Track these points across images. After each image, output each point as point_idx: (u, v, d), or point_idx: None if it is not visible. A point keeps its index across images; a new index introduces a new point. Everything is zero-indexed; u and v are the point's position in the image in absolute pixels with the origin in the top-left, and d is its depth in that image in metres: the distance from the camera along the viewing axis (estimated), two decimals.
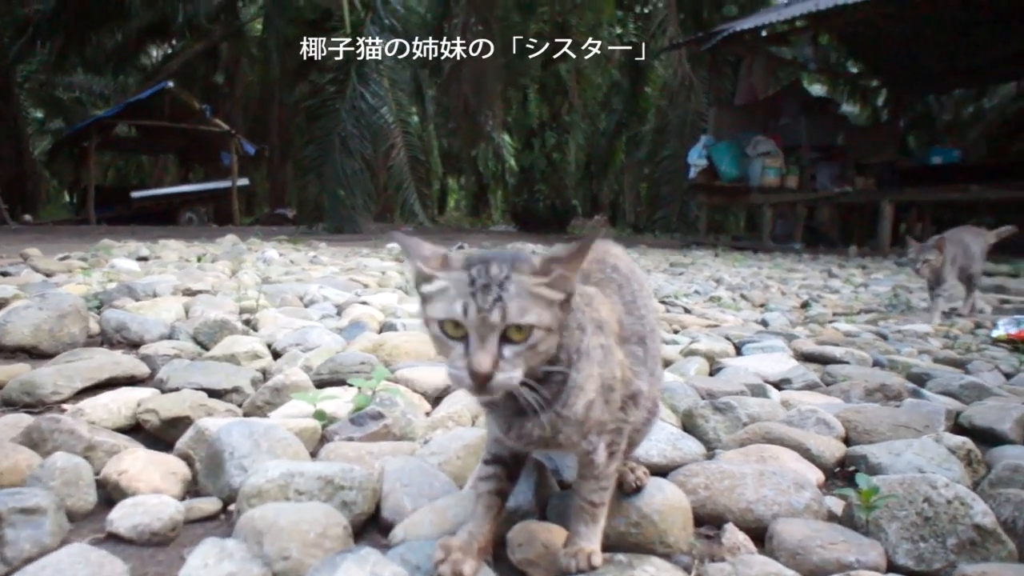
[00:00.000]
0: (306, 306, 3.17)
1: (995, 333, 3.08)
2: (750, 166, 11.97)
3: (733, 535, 1.16)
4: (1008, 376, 2.36)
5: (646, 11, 17.86)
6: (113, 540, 1.14)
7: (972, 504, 1.09)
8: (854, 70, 16.93)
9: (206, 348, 2.27)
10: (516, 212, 17.21)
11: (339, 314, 3.03)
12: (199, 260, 5.25)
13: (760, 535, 1.18)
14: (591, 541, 1.02)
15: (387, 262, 6.13)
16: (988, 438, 1.66)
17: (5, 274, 3.87)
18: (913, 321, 3.58)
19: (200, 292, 3.30)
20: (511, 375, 0.83)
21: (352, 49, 12.40)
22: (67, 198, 22.62)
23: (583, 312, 0.94)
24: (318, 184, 12.72)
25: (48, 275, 3.96)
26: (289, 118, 19.31)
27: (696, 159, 12.42)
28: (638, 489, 1.14)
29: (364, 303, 3.18)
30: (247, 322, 2.59)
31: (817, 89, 17.70)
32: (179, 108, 15.72)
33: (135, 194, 17.16)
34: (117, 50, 17.81)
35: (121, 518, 1.14)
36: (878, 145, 13.10)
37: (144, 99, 15.06)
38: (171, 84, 15.40)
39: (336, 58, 12.80)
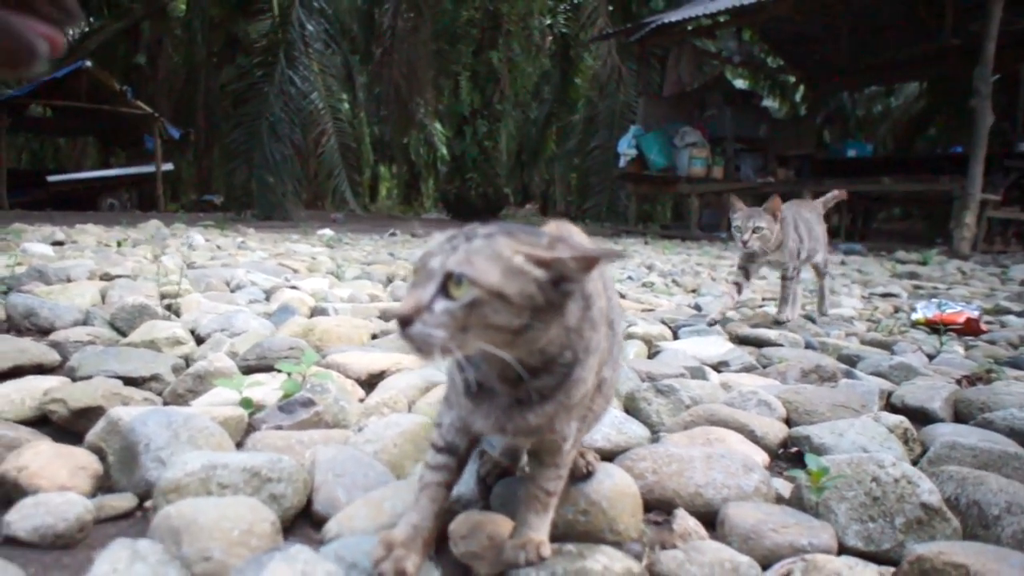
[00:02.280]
0: (232, 291, 3.02)
1: (915, 316, 3.19)
2: (678, 156, 12.19)
3: (684, 521, 1.12)
4: (931, 357, 2.44)
5: (576, 1, 17.91)
6: (10, 544, 1.01)
7: (919, 483, 1.09)
8: (775, 65, 17.45)
9: (124, 334, 2.11)
10: (448, 200, 17.04)
11: (267, 299, 2.89)
12: (119, 245, 4.95)
13: (710, 519, 1.15)
14: (540, 531, 0.96)
15: (317, 248, 5.94)
16: (920, 417, 1.70)
17: None
18: (839, 305, 3.68)
19: (119, 277, 3.09)
20: (432, 331, 0.73)
21: (278, 32, 12.01)
22: None
23: (595, 308, 0.86)
24: (246, 170, 12.27)
25: None
26: (215, 102, 18.48)
27: (626, 149, 12.56)
28: (589, 474, 1.09)
29: (294, 287, 3.04)
30: (169, 307, 2.43)
31: (740, 83, 18.18)
32: (98, 89, 14.78)
33: (52, 178, 16.08)
34: None
35: (20, 519, 1.02)
36: (797, 138, 13.57)
37: (59, 78, 14.09)
38: (89, 63, 14.49)
39: (263, 41, 12.38)
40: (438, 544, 1.02)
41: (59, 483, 1.13)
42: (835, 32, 12.38)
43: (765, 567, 0.99)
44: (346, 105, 17.62)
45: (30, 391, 1.50)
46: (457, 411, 0.94)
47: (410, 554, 0.87)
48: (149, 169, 16.58)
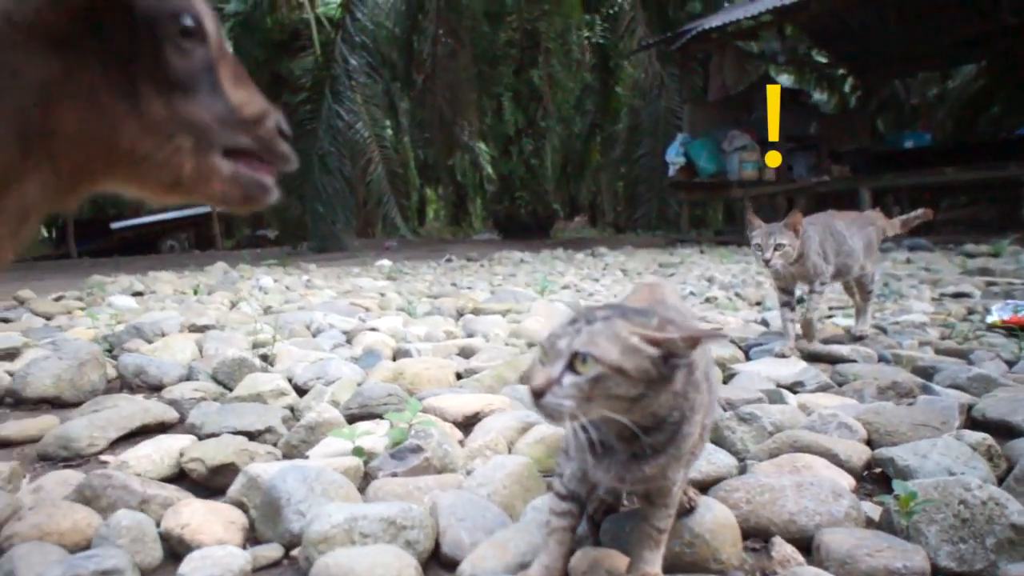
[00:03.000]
0: (314, 335, 3.20)
1: (989, 319, 3.17)
2: (728, 161, 12.11)
3: (781, 548, 1.21)
4: (1010, 364, 2.44)
5: (612, 11, 18.00)
6: None
7: (1006, 504, 1.15)
8: (821, 60, 17.20)
9: (228, 388, 2.29)
10: (498, 220, 17.28)
11: (349, 342, 3.06)
12: (195, 292, 5.24)
13: (805, 545, 1.23)
14: (654, 565, 1.07)
15: (380, 281, 6.15)
16: (1003, 430, 1.73)
17: (5, 320, 3.85)
18: (910, 310, 3.66)
19: (207, 327, 3.31)
20: (562, 401, 0.87)
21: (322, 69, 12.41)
22: (44, 233, 22.31)
23: (698, 372, 0.99)
24: (299, 204, 12.70)
25: (48, 318, 3.95)
26: None
27: (674, 157, 12.55)
28: (691, 509, 1.20)
29: (373, 329, 3.21)
30: (264, 357, 2.62)
31: (786, 80, 17.94)
32: None
33: (115, 225, 16.94)
34: None
35: (192, 571, 1.17)
36: (850, 132, 13.33)
37: None
38: None
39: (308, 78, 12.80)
40: None
41: (216, 537, 1.29)
42: (883, 21, 12.17)
43: None
44: (389, 131, 18.05)
45: (166, 450, 1.68)
46: (578, 463, 1.06)
47: None
48: (205, 209, 17.29)
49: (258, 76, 15.36)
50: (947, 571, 1.14)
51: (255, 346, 2.87)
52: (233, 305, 4.44)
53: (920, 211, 3.16)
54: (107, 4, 0.56)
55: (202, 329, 3.28)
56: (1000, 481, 1.42)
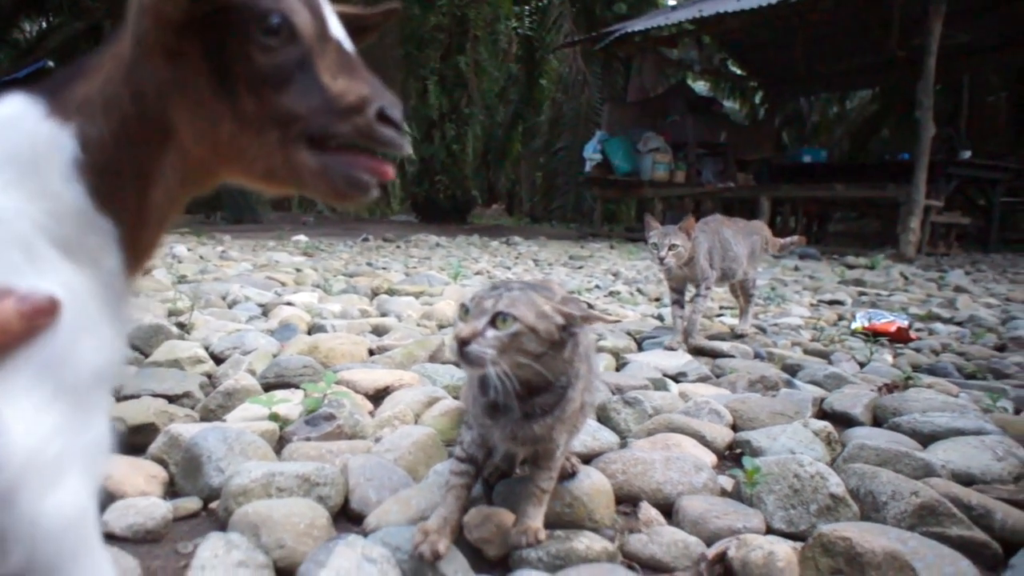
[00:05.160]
0: (230, 307, 3.24)
1: (854, 325, 3.55)
2: (641, 161, 12.59)
3: (647, 511, 1.41)
4: (862, 365, 2.78)
5: (541, 4, 18.22)
6: (108, 539, 1.26)
7: (828, 477, 1.40)
8: (735, 71, 18.00)
9: (144, 353, 2.33)
10: (416, 202, 17.21)
11: (265, 315, 3.12)
12: None
13: (668, 510, 1.44)
14: (537, 520, 1.24)
15: (297, 257, 6.14)
16: (844, 421, 2.02)
17: None
18: (789, 313, 4.03)
19: None
20: (485, 350, 1.05)
21: None
22: None
23: (582, 347, 1.19)
24: None
25: None
26: None
27: (591, 153, 12.94)
28: (573, 475, 1.38)
29: (289, 304, 3.27)
30: (180, 325, 2.65)
31: (701, 88, 18.68)
32: None
33: None
34: None
35: (116, 519, 1.27)
36: (757, 143, 14.08)
37: (20, 78, 13.92)
38: (51, 63, 14.31)
39: None
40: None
41: (139, 489, 1.38)
42: (791, 42, 12.93)
43: (709, 545, 1.29)
44: None
45: None
46: (477, 430, 1.23)
47: (442, 539, 1.15)
48: None
49: None
50: (779, 531, 1.36)
51: (171, 314, 2.89)
52: (147, 272, 4.37)
53: (795, 237, 3.64)
54: (206, 20, 0.63)
55: None
56: (833, 461, 1.69)
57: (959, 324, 3.95)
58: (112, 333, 0.64)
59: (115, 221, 0.64)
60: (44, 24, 17.75)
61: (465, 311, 1.10)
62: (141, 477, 1.41)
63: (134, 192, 0.65)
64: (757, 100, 19.60)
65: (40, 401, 0.56)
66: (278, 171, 0.66)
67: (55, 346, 0.57)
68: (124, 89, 0.64)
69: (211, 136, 0.66)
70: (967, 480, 1.56)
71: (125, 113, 0.64)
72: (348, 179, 0.67)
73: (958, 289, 5.78)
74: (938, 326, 3.81)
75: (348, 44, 0.70)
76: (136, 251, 0.67)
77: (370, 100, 0.66)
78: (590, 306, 4.10)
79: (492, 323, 1.06)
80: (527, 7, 18.06)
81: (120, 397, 1.86)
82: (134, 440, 1.64)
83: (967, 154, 10.72)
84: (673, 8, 13.56)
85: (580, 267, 6.83)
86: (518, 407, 1.16)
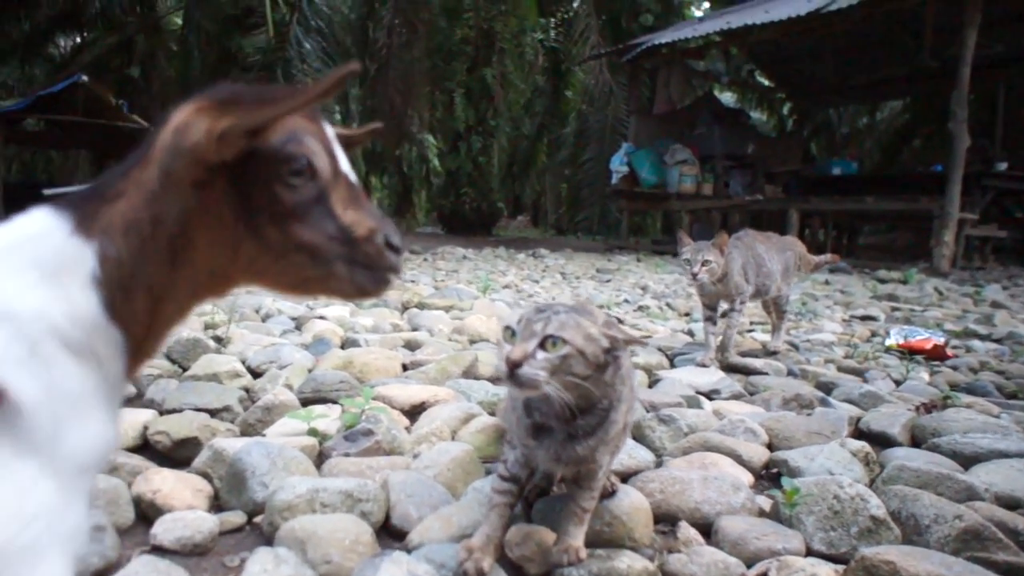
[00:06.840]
0: (263, 320, 3.30)
1: (888, 342, 3.51)
2: (668, 173, 12.56)
3: (686, 531, 1.42)
4: (898, 383, 2.75)
5: (567, 16, 18.30)
6: (158, 552, 1.29)
7: (869, 499, 1.39)
8: (763, 82, 17.91)
9: (182, 367, 2.38)
10: (443, 214, 17.35)
11: (298, 328, 3.17)
12: None
13: (706, 530, 1.44)
14: (577, 539, 1.26)
15: None
16: (882, 441, 2.00)
17: None
18: (821, 330, 3.99)
19: None
20: (537, 372, 1.06)
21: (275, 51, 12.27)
22: None
23: (624, 369, 1.21)
24: None
25: None
26: None
27: (618, 165, 12.93)
28: (612, 494, 1.39)
29: (321, 317, 3.32)
30: (217, 339, 2.71)
31: (728, 99, 18.60)
32: (94, 103, 14.96)
33: (48, 191, 16.20)
34: (24, 39, 16.86)
35: (164, 532, 1.30)
36: (785, 154, 13.96)
37: (56, 92, 14.30)
38: (85, 77, 14.68)
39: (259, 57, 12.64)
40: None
41: (186, 503, 1.42)
42: (819, 52, 12.85)
43: (749, 566, 1.29)
44: (339, 117, 17.89)
45: (131, 423, 1.78)
46: (520, 449, 1.25)
47: (486, 556, 1.17)
48: None
49: (207, 52, 15.03)
50: (819, 553, 1.36)
51: (207, 327, 2.95)
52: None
53: (828, 255, 3.63)
54: (236, 160, 0.69)
55: None
56: (872, 483, 1.67)
57: (997, 341, 3.89)
58: (104, 427, 0.67)
59: (125, 332, 0.68)
60: (79, 39, 18.20)
61: (512, 333, 1.11)
62: (188, 490, 1.45)
63: (145, 307, 0.70)
64: (785, 111, 19.47)
65: (25, 483, 0.58)
66: (302, 284, 0.75)
67: (44, 432, 0.60)
68: (145, 214, 0.69)
69: (230, 256, 0.72)
70: (1011, 504, 1.54)
71: (143, 235, 0.68)
72: (374, 279, 0.76)
73: (995, 304, 5.68)
74: (975, 343, 3.75)
75: (353, 177, 0.79)
76: (139, 356, 0.72)
77: (377, 230, 0.76)
78: (620, 321, 4.10)
79: (542, 346, 1.08)
80: (553, 19, 18.14)
81: (163, 411, 1.91)
82: (179, 454, 1.69)
83: (1003, 166, 10.51)
84: (700, 20, 13.52)
85: (608, 280, 6.83)
86: (562, 428, 1.17)
